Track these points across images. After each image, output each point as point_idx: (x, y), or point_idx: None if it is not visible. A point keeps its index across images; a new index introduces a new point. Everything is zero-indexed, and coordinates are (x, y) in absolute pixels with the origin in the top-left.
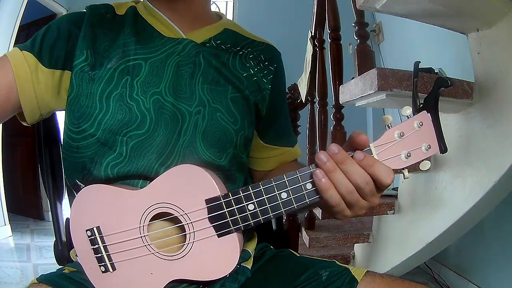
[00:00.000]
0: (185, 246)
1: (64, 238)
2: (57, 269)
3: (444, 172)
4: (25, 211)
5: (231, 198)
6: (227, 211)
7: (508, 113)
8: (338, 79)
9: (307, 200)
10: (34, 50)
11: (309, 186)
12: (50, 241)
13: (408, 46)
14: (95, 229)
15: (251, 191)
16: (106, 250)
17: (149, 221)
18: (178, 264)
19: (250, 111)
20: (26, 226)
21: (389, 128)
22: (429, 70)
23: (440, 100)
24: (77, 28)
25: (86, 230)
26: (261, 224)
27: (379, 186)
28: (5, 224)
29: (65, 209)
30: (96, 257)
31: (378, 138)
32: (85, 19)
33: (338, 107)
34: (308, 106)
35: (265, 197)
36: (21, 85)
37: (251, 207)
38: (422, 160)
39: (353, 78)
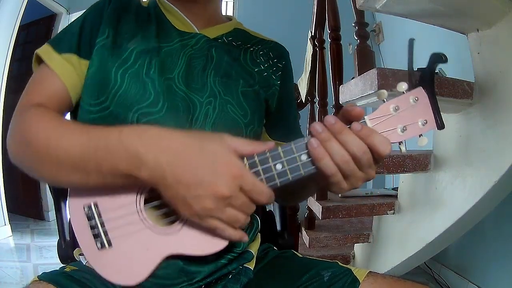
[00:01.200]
0: (179, 221)
1: (68, 237)
2: (59, 268)
3: (444, 172)
4: (25, 211)
5: None
6: None
7: (508, 113)
8: (338, 79)
9: (302, 171)
10: (73, 48)
11: (304, 157)
12: (50, 241)
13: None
14: (92, 204)
15: (246, 161)
16: (102, 225)
17: (146, 196)
18: (172, 239)
19: (260, 106)
20: (26, 226)
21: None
22: None
23: (440, 100)
24: (103, 12)
25: (84, 207)
26: (266, 225)
27: (376, 157)
28: (5, 224)
29: None
30: (92, 233)
31: (372, 112)
32: (112, 1)
33: (338, 107)
34: (308, 106)
35: (260, 168)
36: (70, 85)
37: None
38: (420, 136)
39: (353, 78)
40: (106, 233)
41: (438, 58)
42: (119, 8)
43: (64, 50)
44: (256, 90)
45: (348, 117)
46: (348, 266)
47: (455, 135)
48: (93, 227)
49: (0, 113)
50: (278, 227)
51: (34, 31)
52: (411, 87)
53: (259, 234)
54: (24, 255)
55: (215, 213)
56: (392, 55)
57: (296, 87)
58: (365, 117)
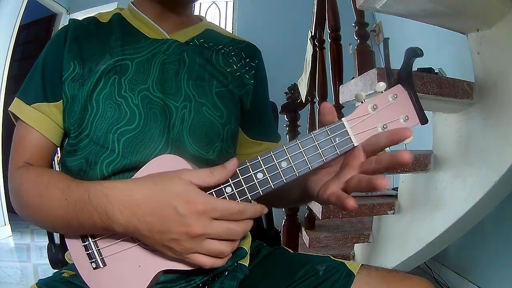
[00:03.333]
0: None
1: (57, 241)
2: (55, 272)
3: (444, 172)
4: None
5: None
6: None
7: (508, 113)
8: (338, 79)
9: (284, 179)
10: (39, 97)
11: (284, 164)
12: None
13: (408, 46)
14: None
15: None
16: (96, 246)
17: None
18: (162, 254)
19: (235, 105)
20: (26, 226)
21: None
22: (429, 70)
23: (440, 100)
24: (61, 48)
25: None
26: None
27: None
28: (5, 224)
29: None
30: (87, 253)
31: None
32: (68, 34)
33: (338, 107)
34: (308, 106)
35: (241, 178)
36: (48, 133)
37: (228, 189)
38: None
39: (353, 78)
40: (100, 253)
41: (414, 53)
42: (79, 37)
43: (32, 100)
44: (230, 89)
45: (322, 118)
46: (341, 260)
47: (455, 135)
48: (87, 248)
49: (0, 113)
50: (264, 225)
51: (34, 31)
52: (390, 86)
53: (249, 232)
54: (24, 255)
55: (196, 250)
56: (392, 55)
57: (296, 87)
58: (342, 119)
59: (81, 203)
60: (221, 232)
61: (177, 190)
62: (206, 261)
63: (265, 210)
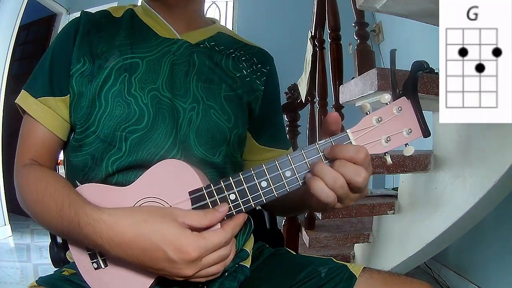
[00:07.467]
0: None
1: (59, 240)
2: (55, 270)
3: (444, 172)
4: None
5: (213, 188)
6: (209, 201)
7: None
8: (338, 79)
9: (287, 188)
10: (46, 91)
11: (288, 174)
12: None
13: (408, 46)
14: None
15: (231, 181)
16: None
17: None
18: None
19: (243, 110)
20: (26, 226)
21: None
22: (430, 70)
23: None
24: (71, 43)
25: None
26: (255, 224)
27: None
28: (5, 224)
29: None
30: (89, 254)
31: (355, 125)
32: (80, 28)
33: (338, 107)
34: (308, 106)
35: (245, 186)
36: (54, 128)
37: (232, 197)
38: (406, 146)
39: (353, 78)
40: (102, 253)
41: (419, 66)
42: (90, 32)
43: (39, 94)
44: (239, 94)
45: (327, 127)
46: (343, 262)
47: (455, 135)
48: (89, 248)
49: (0, 113)
50: (268, 225)
51: (34, 31)
52: (395, 97)
53: (252, 233)
54: (24, 255)
55: (189, 279)
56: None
57: (296, 87)
58: (347, 130)
59: (73, 226)
60: (213, 262)
61: (168, 233)
62: (200, 280)
63: (246, 216)
